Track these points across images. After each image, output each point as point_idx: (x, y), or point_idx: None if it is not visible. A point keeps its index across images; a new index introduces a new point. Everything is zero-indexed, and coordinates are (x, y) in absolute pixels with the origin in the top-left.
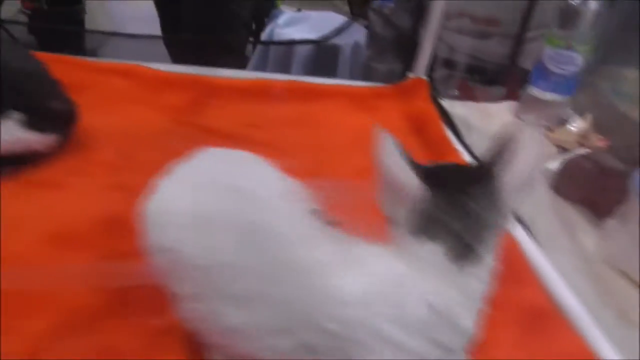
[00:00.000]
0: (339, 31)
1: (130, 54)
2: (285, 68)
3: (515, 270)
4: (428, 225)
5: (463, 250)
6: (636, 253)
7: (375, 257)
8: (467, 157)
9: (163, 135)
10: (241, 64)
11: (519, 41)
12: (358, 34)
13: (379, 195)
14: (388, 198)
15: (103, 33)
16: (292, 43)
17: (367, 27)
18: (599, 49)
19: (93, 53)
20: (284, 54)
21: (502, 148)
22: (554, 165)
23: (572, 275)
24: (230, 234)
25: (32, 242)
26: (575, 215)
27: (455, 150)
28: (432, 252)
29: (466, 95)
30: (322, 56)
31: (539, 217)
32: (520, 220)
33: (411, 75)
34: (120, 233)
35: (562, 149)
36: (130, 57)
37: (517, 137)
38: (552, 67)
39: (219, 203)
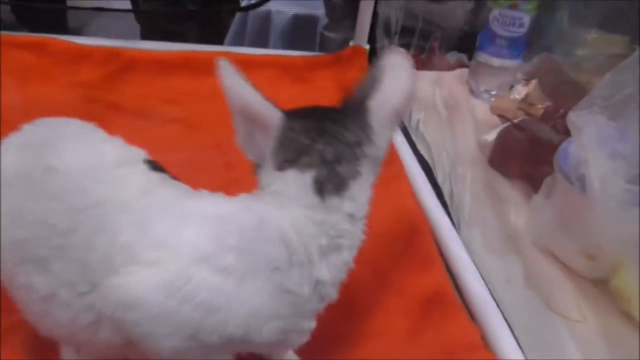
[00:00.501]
0: None
1: (117, 31)
2: (263, 40)
3: (422, 254)
4: (293, 153)
5: (332, 179)
6: (561, 231)
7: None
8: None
9: (67, 114)
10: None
11: (480, 3)
12: None
13: (238, 134)
14: (245, 132)
15: (85, 9)
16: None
17: None
18: (559, 10)
19: (77, 31)
20: (261, 27)
21: (372, 77)
22: (491, 136)
23: (496, 256)
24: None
25: None
26: (509, 191)
27: None
28: (296, 182)
29: (418, 64)
30: (300, 27)
31: (469, 192)
32: (440, 197)
33: (351, 43)
34: None
35: (504, 118)
36: (116, 36)
37: (386, 64)
38: (498, 30)
39: (14, 162)
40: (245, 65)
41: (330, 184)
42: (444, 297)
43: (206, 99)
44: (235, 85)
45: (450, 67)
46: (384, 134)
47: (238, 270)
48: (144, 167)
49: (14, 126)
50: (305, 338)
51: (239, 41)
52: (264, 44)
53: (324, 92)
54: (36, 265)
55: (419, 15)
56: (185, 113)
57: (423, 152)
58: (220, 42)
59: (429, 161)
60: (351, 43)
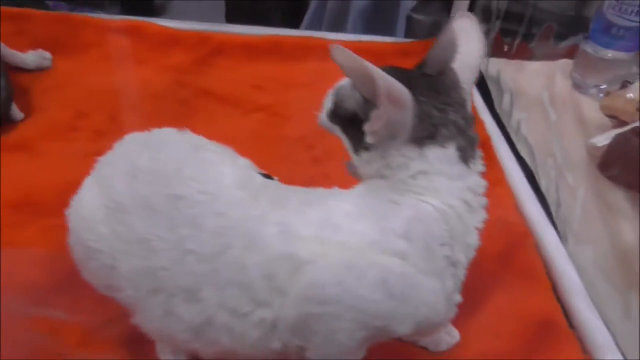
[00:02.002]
0: None
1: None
2: (342, 19)
3: (526, 270)
4: (431, 128)
5: (470, 148)
6: None
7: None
8: (494, 130)
9: (158, 98)
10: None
11: None
12: None
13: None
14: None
15: None
16: None
17: None
18: None
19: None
20: (343, 4)
21: (446, 41)
22: (602, 140)
23: (610, 281)
24: (157, 217)
25: None
26: (623, 203)
27: (480, 121)
28: (441, 156)
29: (515, 52)
30: (381, 6)
31: (578, 202)
32: (544, 206)
33: None
34: None
35: (618, 120)
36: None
37: (456, 28)
38: (613, 18)
39: (132, 190)
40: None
41: (469, 150)
42: (553, 322)
43: (292, 86)
44: (353, 61)
45: (552, 57)
46: (469, 94)
47: (412, 255)
48: (262, 179)
49: (112, 108)
50: (454, 313)
51: (318, 18)
52: (342, 22)
53: None
54: (182, 296)
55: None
56: (272, 101)
57: (525, 155)
58: (300, 17)
59: (532, 166)
60: None
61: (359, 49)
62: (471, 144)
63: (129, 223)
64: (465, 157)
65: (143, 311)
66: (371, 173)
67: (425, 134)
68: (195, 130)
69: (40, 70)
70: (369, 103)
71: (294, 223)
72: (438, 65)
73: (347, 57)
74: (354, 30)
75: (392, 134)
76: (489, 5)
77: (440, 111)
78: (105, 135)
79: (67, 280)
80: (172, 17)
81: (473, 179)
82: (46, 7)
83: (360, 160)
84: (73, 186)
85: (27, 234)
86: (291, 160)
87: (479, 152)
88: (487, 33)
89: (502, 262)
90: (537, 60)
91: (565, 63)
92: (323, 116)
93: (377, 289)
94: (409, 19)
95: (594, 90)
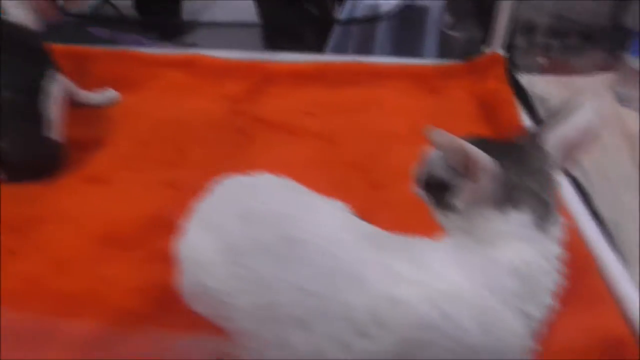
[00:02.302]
0: None
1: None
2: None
3: (590, 294)
4: (510, 193)
5: (545, 212)
6: None
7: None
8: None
9: (218, 128)
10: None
11: None
12: None
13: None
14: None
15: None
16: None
17: None
18: None
19: (190, 24)
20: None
21: (559, 111)
22: None
23: None
24: (269, 259)
25: (83, 241)
26: None
27: None
28: (518, 220)
29: (552, 66)
30: (408, 19)
31: (631, 225)
32: (602, 228)
33: (486, 50)
34: (166, 234)
35: None
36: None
37: (576, 105)
38: None
39: (247, 233)
40: (377, 76)
41: (545, 216)
42: (623, 343)
43: (343, 111)
44: (449, 140)
45: (584, 71)
46: (560, 165)
47: (495, 301)
48: (362, 222)
49: (176, 139)
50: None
51: (343, 40)
52: (369, 44)
53: (459, 103)
54: (295, 328)
55: (549, 11)
56: (325, 127)
57: (577, 174)
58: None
59: (586, 186)
60: (486, 50)
61: (405, 73)
62: (548, 211)
63: (246, 264)
64: (541, 222)
65: (257, 340)
66: (455, 229)
67: (505, 199)
68: (254, 157)
69: (107, 106)
70: (458, 173)
71: (395, 267)
72: (539, 130)
73: (446, 139)
74: (382, 52)
75: (478, 202)
76: (529, 21)
77: (521, 179)
78: (173, 165)
79: (160, 310)
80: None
81: (547, 244)
82: (89, 35)
83: (445, 219)
84: (152, 219)
85: (114, 267)
86: (348, 186)
87: (558, 217)
88: (526, 48)
89: (567, 285)
90: (576, 74)
91: (607, 77)
92: (413, 184)
93: (473, 324)
94: (443, 35)
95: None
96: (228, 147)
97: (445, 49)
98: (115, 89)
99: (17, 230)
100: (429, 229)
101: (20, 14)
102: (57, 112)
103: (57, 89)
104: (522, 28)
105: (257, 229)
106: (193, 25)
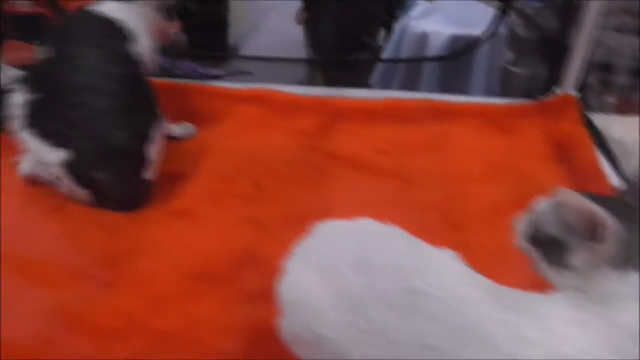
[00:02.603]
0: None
1: (270, 50)
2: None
3: None
4: (630, 253)
5: None
6: None
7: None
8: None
9: (293, 163)
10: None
11: None
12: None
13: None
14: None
15: (248, 58)
16: (417, 60)
17: (509, 28)
18: None
19: (234, 49)
20: (416, 51)
21: None
22: None
23: None
24: (392, 310)
25: (176, 276)
26: None
27: (608, 185)
28: (636, 281)
29: (628, 107)
30: (457, 49)
31: None
32: None
33: (558, 90)
34: (258, 271)
35: None
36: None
37: None
38: None
39: (365, 282)
40: (448, 114)
41: None
42: None
43: (415, 150)
44: (577, 201)
45: None
46: None
47: None
48: (476, 274)
49: (254, 173)
50: None
51: (387, 76)
52: (416, 80)
53: (532, 144)
54: None
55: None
56: (398, 165)
57: None
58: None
59: None
60: (557, 90)
61: (475, 112)
62: None
63: (365, 314)
64: None
65: None
66: (567, 286)
67: (626, 260)
68: (331, 195)
69: (186, 139)
70: (575, 232)
71: (521, 326)
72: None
73: (574, 200)
74: (429, 89)
75: (598, 263)
76: (604, 61)
77: (638, 239)
78: (252, 200)
79: (256, 351)
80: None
81: None
82: None
83: (556, 275)
84: (241, 255)
85: (208, 304)
86: (427, 228)
87: None
88: (597, 87)
89: None
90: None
91: None
92: (518, 238)
93: None
94: (506, 72)
95: None
96: (304, 183)
97: (507, 85)
98: (191, 122)
99: (112, 263)
100: (513, 275)
101: (148, 43)
102: (157, 154)
103: (160, 134)
104: (595, 67)
105: (375, 278)
106: (249, 58)
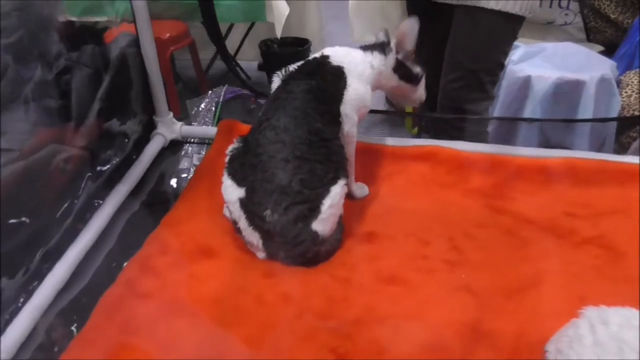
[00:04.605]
0: None
1: None
2: (518, 107)
3: None
4: None
5: None
6: None
7: None
8: None
9: (480, 225)
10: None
11: None
12: (603, 66)
13: None
14: None
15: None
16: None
17: None
18: None
19: None
20: (517, 94)
21: None
22: None
23: None
24: None
25: (409, 351)
26: None
27: None
28: None
29: None
30: (563, 93)
31: None
32: None
33: None
34: (487, 347)
35: None
36: None
37: None
38: None
39: None
40: (629, 176)
41: None
42: None
43: (606, 214)
44: None
45: None
46: None
47: None
48: None
49: (446, 235)
50: None
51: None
52: (519, 110)
53: None
54: None
55: None
56: (598, 231)
57: None
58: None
59: None
60: None
61: None
62: None
63: None
64: None
65: None
66: None
67: None
68: (536, 263)
69: (361, 198)
70: None
71: None
72: None
73: None
74: (527, 143)
75: None
76: None
77: None
78: (456, 265)
79: None
80: None
81: None
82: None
83: None
84: (467, 328)
85: None
86: None
87: None
88: None
89: None
90: None
91: None
92: None
93: None
94: None
95: None
96: (501, 248)
97: None
98: (364, 181)
99: (344, 333)
100: None
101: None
102: (333, 210)
103: (338, 192)
104: None
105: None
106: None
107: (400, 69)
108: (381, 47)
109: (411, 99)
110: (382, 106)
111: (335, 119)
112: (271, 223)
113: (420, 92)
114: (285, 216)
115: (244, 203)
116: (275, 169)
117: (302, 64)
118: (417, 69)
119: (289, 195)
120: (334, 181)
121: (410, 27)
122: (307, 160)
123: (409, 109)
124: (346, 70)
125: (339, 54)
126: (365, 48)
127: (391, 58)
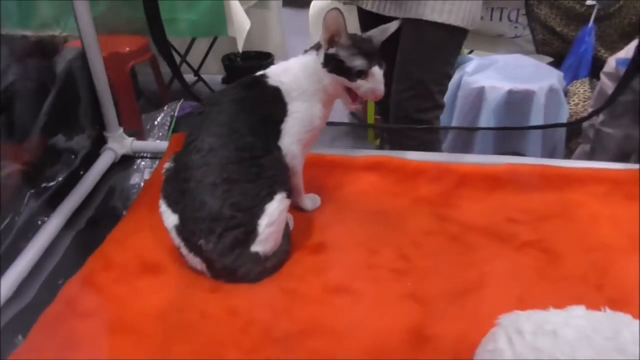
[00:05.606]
0: None
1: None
2: (474, 116)
3: None
4: None
5: None
6: None
7: None
8: None
9: (427, 233)
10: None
11: None
12: (551, 77)
13: None
14: None
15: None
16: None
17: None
18: None
19: None
20: (473, 105)
21: None
22: None
23: None
24: None
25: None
26: None
27: None
28: None
29: None
30: (515, 103)
31: None
32: None
33: None
34: (430, 352)
35: None
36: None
37: None
38: None
39: None
40: (569, 181)
41: None
42: None
43: (545, 218)
44: None
45: None
46: None
47: None
48: None
49: (394, 244)
50: None
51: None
52: (475, 120)
53: None
54: None
55: None
56: (537, 235)
57: None
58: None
59: None
60: None
61: (597, 178)
62: None
63: None
64: None
65: None
66: None
67: None
68: (479, 268)
69: (313, 210)
70: None
71: None
72: None
73: None
74: (484, 151)
75: None
76: None
77: None
78: (402, 273)
79: None
80: None
81: None
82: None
83: None
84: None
85: None
86: (586, 303)
87: None
88: None
89: None
90: None
91: None
92: None
93: None
94: (597, 132)
95: None
96: (446, 255)
97: (599, 145)
98: (315, 192)
99: (285, 344)
100: None
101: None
102: (272, 228)
103: (275, 208)
104: None
105: None
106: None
107: (330, 63)
108: (317, 47)
109: (360, 95)
110: (345, 118)
111: (270, 131)
112: (207, 252)
113: (366, 86)
114: (221, 244)
115: (180, 230)
116: (204, 196)
117: (242, 79)
118: (357, 62)
119: (222, 222)
120: (269, 197)
121: (333, 17)
122: (237, 181)
123: (370, 121)
124: (284, 92)
125: (277, 72)
126: (304, 52)
127: (321, 55)
